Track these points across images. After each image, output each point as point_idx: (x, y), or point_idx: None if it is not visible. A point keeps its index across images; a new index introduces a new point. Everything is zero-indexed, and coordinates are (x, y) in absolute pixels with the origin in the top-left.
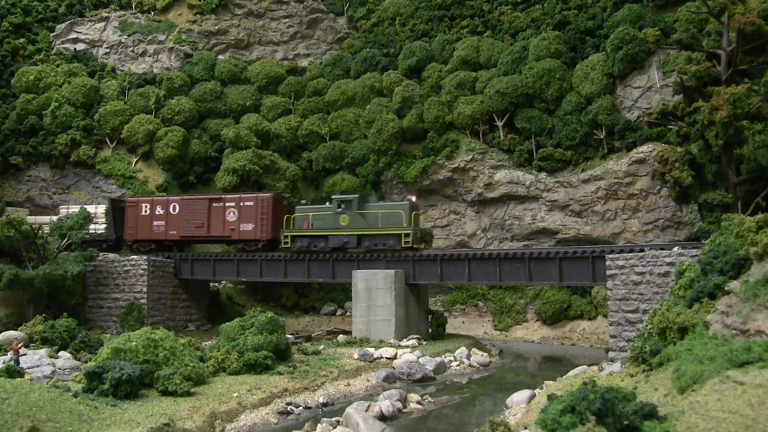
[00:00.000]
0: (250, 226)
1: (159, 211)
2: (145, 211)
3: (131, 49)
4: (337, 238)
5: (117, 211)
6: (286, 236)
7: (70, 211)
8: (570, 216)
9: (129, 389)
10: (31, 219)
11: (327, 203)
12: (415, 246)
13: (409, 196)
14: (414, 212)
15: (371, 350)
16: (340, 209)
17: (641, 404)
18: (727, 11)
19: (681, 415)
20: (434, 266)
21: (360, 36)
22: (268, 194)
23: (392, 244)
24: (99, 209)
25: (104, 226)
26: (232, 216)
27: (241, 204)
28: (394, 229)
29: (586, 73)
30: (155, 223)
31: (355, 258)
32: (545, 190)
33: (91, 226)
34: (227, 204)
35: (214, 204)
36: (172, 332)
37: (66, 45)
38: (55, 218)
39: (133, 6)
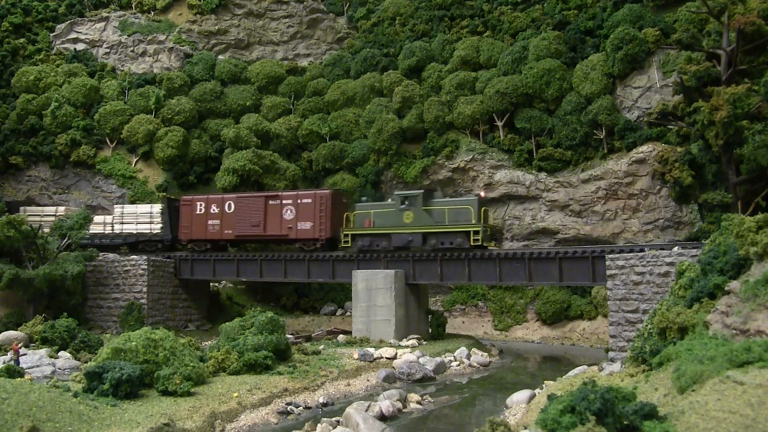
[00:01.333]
0: (308, 225)
1: (214, 209)
2: (200, 210)
3: (131, 49)
4: (400, 236)
5: (173, 210)
6: (346, 235)
7: (125, 210)
8: (570, 216)
9: (129, 389)
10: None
11: (389, 199)
12: (485, 244)
13: (477, 191)
14: (483, 208)
15: (371, 350)
16: (403, 205)
17: (641, 404)
18: (727, 11)
19: (681, 415)
20: (434, 266)
21: (360, 36)
22: (327, 191)
23: (460, 242)
24: (155, 208)
25: (160, 225)
26: (289, 214)
27: (299, 201)
28: (462, 226)
29: (586, 73)
30: (210, 222)
31: (356, 258)
32: (545, 190)
33: (147, 226)
34: (284, 201)
35: (270, 202)
36: (172, 332)
37: (66, 45)
38: (109, 218)
39: (133, 6)
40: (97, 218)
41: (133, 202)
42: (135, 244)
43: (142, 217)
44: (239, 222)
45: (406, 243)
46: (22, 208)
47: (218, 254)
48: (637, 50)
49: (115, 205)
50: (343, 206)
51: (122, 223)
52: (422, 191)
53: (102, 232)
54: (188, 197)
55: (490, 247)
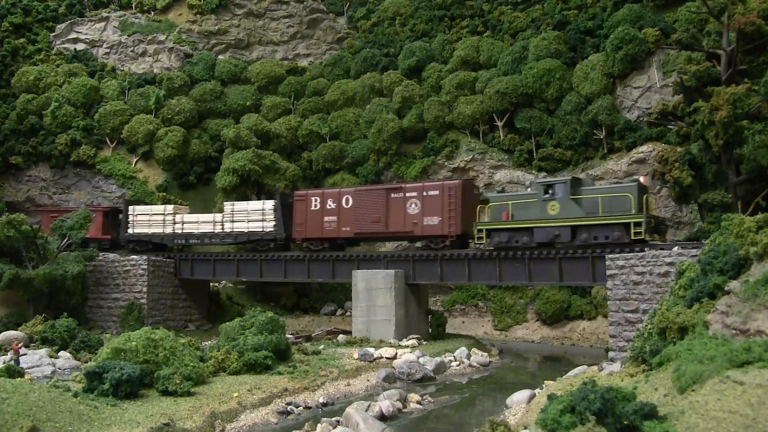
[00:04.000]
0: (435, 220)
1: (330, 204)
2: (315, 206)
3: (131, 49)
4: (545, 230)
5: (286, 206)
6: (479, 230)
7: (236, 207)
8: None
9: (129, 389)
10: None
11: (528, 188)
12: (647, 238)
13: (636, 176)
14: (645, 195)
15: (371, 350)
16: (547, 195)
17: (641, 404)
18: (727, 11)
19: (681, 415)
20: (434, 266)
21: (360, 36)
22: (456, 181)
23: (618, 236)
24: (267, 205)
25: (273, 223)
26: (413, 208)
27: (425, 194)
28: (619, 217)
29: (586, 73)
30: (326, 218)
31: (355, 258)
32: None
33: (259, 224)
34: (408, 194)
35: (392, 195)
36: (172, 332)
37: (66, 45)
38: (219, 216)
39: (133, 6)
40: (206, 217)
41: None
42: (246, 243)
43: (254, 215)
44: (358, 218)
45: (552, 238)
46: (131, 206)
47: (218, 254)
48: (637, 50)
49: (225, 203)
50: (475, 198)
51: (233, 221)
52: (569, 178)
53: (212, 231)
54: (302, 192)
55: (653, 242)
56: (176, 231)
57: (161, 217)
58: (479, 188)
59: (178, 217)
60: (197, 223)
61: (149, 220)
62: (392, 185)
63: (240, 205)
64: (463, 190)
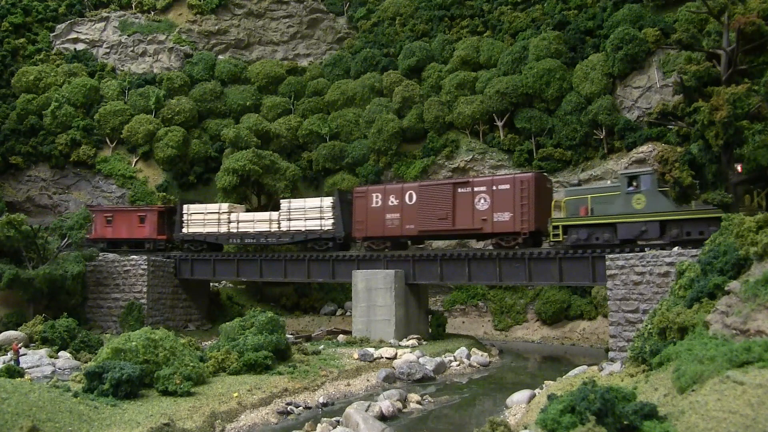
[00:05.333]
0: (506, 216)
1: (392, 201)
2: (376, 203)
3: (131, 49)
4: (630, 226)
5: (345, 204)
6: (555, 227)
7: (292, 205)
8: None
9: (129, 389)
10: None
11: (608, 181)
12: None
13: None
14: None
15: (371, 350)
16: (632, 188)
17: (641, 404)
18: (727, 11)
19: (681, 415)
20: (434, 266)
21: (360, 36)
22: (529, 174)
23: (715, 230)
24: (325, 202)
25: (331, 221)
26: (482, 204)
27: (494, 188)
28: (716, 211)
29: (586, 73)
30: (388, 216)
31: (356, 258)
32: None
33: (317, 222)
34: (476, 189)
35: (459, 189)
36: (172, 332)
37: (66, 45)
38: (275, 214)
39: (133, 6)
40: (262, 215)
41: (132, 203)
42: (304, 242)
43: (311, 212)
44: (423, 215)
45: (638, 234)
46: (185, 205)
47: (218, 254)
48: (637, 50)
49: (282, 200)
50: (548, 192)
51: (289, 219)
52: (656, 168)
53: (268, 230)
54: (362, 188)
55: None
56: (231, 230)
57: (216, 216)
58: (552, 182)
59: (233, 216)
60: (253, 221)
61: (204, 219)
62: (459, 179)
63: (297, 203)
64: (536, 183)
